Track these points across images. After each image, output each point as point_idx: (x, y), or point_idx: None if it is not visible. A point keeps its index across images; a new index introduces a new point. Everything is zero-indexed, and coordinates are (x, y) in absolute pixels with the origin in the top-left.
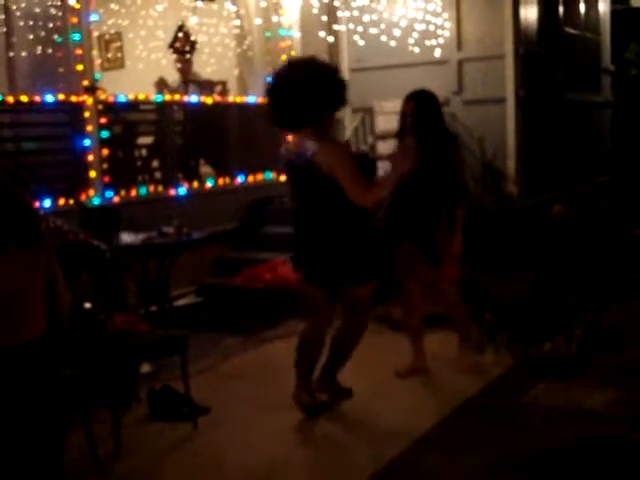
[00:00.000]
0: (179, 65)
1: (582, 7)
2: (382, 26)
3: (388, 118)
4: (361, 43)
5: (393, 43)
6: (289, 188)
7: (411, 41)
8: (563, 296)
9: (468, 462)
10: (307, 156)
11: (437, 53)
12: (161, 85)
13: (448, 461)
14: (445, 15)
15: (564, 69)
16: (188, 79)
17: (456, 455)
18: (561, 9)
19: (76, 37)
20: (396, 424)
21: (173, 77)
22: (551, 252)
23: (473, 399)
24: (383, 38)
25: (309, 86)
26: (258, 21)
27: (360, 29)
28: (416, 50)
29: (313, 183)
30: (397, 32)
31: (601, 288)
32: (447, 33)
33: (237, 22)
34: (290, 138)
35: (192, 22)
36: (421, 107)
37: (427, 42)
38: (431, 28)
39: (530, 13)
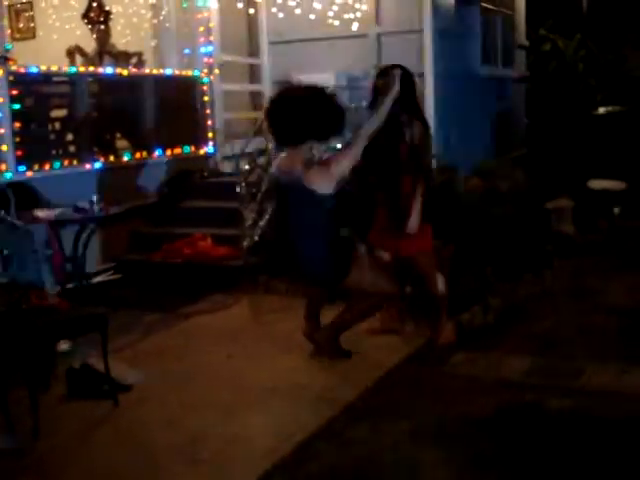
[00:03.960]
0: (96, 35)
1: None
2: None
3: None
4: (280, 16)
5: (312, 16)
6: (275, 203)
7: (330, 14)
8: (480, 267)
9: (391, 430)
10: (295, 175)
11: (355, 27)
12: (76, 52)
13: (372, 429)
14: None
15: (480, 44)
16: (103, 50)
17: (379, 424)
18: None
19: None
20: (321, 394)
21: (88, 48)
22: (469, 225)
23: (395, 369)
24: (303, 11)
25: (316, 111)
26: None
27: (279, 1)
28: (335, 24)
29: (301, 201)
30: (317, 5)
31: (517, 259)
32: (365, 7)
33: None
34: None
35: None
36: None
37: (346, 16)
38: (349, 2)
39: None
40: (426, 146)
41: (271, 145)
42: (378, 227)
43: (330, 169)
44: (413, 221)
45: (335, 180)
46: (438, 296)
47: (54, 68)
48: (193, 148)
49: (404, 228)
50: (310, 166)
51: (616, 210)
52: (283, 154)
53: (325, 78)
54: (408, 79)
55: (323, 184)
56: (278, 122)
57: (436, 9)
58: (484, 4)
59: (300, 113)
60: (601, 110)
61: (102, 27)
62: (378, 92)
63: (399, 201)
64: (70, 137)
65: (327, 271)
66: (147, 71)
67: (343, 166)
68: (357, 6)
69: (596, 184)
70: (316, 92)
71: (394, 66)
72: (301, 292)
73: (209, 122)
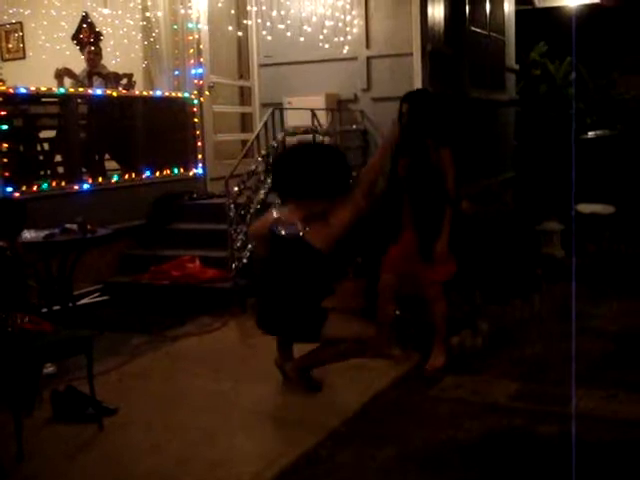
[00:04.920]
0: (89, 56)
1: (488, 7)
2: (289, 22)
3: (298, 114)
4: (270, 38)
5: (302, 39)
6: (270, 256)
7: (320, 37)
8: (469, 291)
9: (376, 456)
10: (294, 230)
11: (346, 50)
12: (65, 74)
13: (357, 456)
14: (354, 12)
15: (470, 67)
16: (93, 72)
17: (365, 450)
18: (467, 8)
19: None
20: (307, 419)
21: (78, 69)
22: (457, 247)
23: (382, 394)
24: (293, 34)
25: (330, 170)
26: (165, 13)
27: (269, 24)
28: (325, 47)
29: (298, 256)
30: (306, 28)
31: (506, 283)
32: (356, 30)
33: (146, 14)
34: (278, 213)
35: (97, 13)
36: (414, 108)
37: (336, 39)
38: (340, 25)
39: (437, 11)
40: (454, 172)
41: (260, 167)
42: (401, 251)
43: (330, 228)
44: (443, 247)
45: (334, 237)
46: (439, 322)
47: (43, 89)
48: (182, 169)
49: (435, 254)
50: (310, 222)
51: (605, 234)
52: (277, 209)
53: (315, 100)
54: (433, 104)
55: (321, 242)
56: (286, 175)
57: (426, 33)
58: (474, 28)
59: (310, 170)
60: (590, 134)
61: (92, 48)
62: (402, 118)
63: (431, 228)
64: (59, 158)
65: (306, 327)
66: (137, 92)
67: (344, 221)
68: (347, 29)
69: (585, 208)
70: (328, 151)
71: (420, 91)
72: None
73: (198, 143)
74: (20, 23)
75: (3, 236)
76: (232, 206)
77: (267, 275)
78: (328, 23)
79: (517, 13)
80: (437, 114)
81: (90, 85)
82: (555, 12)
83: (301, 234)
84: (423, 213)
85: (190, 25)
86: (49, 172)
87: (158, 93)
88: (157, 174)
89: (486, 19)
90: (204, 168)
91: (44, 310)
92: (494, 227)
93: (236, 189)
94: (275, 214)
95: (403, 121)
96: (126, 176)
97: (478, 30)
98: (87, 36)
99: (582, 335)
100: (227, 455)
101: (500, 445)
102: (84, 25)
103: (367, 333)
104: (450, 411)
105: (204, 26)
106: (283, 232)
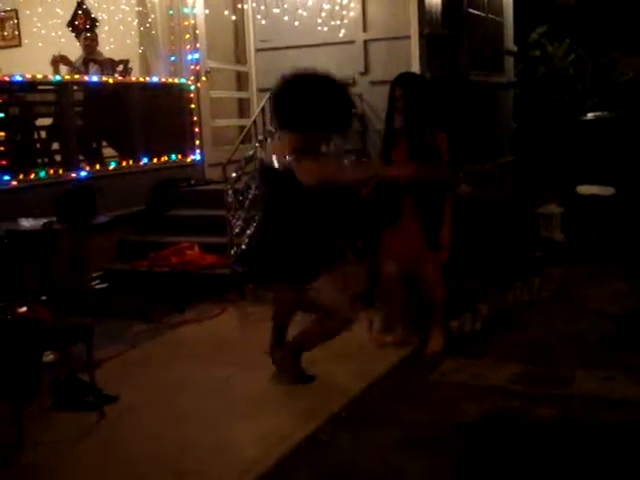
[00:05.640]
0: (85, 43)
1: None
2: (286, 6)
3: None
4: (265, 22)
5: (298, 23)
6: (262, 191)
7: (317, 21)
8: (469, 274)
9: (377, 440)
10: (287, 164)
11: (342, 33)
12: (61, 61)
13: (358, 439)
14: None
15: (468, 50)
16: (89, 58)
17: (366, 433)
18: None
19: None
20: (307, 404)
21: (74, 56)
22: (457, 231)
23: (381, 378)
24: (289, 18)
25: (329, 104)
26: None
27: (264, 8)
28: (322, 30)
29: (288, 191)
30: (302, 12)
31: (506, 266)
32: (352, 13)
33: None
34: (274, 145)
35: None
36: (409, 92)
37: (333, 22)
38: (336, 8)
39: None
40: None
41: (259, 153)
42: (401, 238)
43: (319, 168)
44: (445, 234)
45: (315, 178)
46: (437, 305)
47: (39, 76)
48: (180, 156)
49: (438, 241)
50: (301, 155)
51: (605, 216)
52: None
53: None
54: (427, 88)
55: (307, 176)
56: (283, 103)
57: (423, 15)
58: (472, 10)
59: (308, 101)
60: (589, 116)
61: (88, 35)
62: (394, 102)
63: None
64: (56, 146)
65: (298, 266)
66: (133, 79)
67: (329, 174)
68: (344, 13)
69: (584, 190)
70: (331, 85)
71: (412, 74)
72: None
73: (196, 129)
74: (15, 10)
75: (72, 223)
76: (230, 192)
77: (263, 214)
78: (325, 6)
79: None
80: (432, 98)
81: (86, 72)
82: None
83: (288, 165)
84: (426, 199)
85: (186, 10)
86: (46, 160)
87: (154, 79)
88: (155, 161)
89: (484, 1)
90: (202, 154)
91: (43, 298)
92: (493, 210)
93: (234, 175)
94: (271, 145)
95: (397, 106)
96: (124, 163)
97: (476, 12)
98: (83, 22)
99: (582, 317)
100: (228, 441)
101: (499, 427)
102: (80, 11)
103: (343, 310)
104: (450, 395)
105: (200, 11)
106: (272, 163)
